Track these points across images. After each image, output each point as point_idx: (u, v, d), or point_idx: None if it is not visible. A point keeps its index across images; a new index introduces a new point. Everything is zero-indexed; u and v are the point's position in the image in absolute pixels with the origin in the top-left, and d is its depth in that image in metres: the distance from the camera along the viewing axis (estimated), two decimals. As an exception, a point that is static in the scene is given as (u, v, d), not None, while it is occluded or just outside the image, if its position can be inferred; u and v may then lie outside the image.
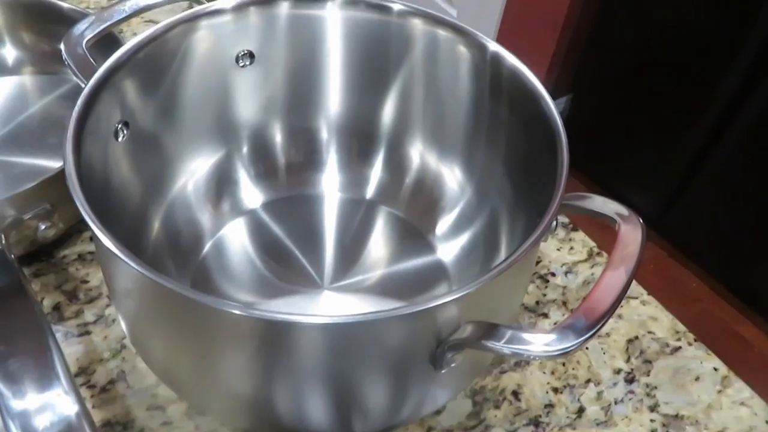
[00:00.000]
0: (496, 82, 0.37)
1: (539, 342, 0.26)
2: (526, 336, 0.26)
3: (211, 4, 0.39)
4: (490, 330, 0.27)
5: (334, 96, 0.44)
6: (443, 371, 0.30)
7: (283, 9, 0.41)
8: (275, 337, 0.27)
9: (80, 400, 0.27)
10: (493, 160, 0.40)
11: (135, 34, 0.39)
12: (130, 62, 0.35)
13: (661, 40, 1.16)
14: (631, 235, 0.30)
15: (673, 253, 1.38)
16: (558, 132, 0.32)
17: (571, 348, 0.26)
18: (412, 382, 0.31)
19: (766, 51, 1.02)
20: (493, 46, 0.37)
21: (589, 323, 0.26)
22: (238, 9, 0.40)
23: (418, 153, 0.45)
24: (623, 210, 0.32)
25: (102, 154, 0.35)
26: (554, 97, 1.39)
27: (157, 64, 0.38)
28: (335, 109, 0.45)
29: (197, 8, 0.38)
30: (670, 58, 1.15)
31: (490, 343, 0.27)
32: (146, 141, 0.39)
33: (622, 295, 0.28)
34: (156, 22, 0.38)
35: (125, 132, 0.37)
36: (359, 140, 0.46)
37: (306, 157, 0.46)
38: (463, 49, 0.39)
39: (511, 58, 0.36)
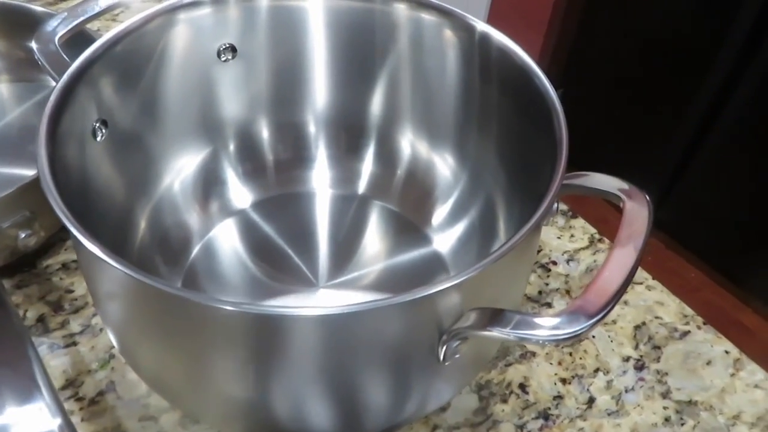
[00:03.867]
0: (486, 63, 0.36)
1: (548, 326, 0.25)
2: (533, 320, 0.25)
3: None
4: (496, 316, 0.26)
5: (320, 89, 0.43)
6: (447, 363, 0.28)
7: (264, 1, 0.40)
8: (270, 333, 0.26)
9: (63, 412, 0.26)
10: (486, 145, 0.39)
11: (111, 31, 0.37)
12: (106, 57, 0.34)
13: (649, 33, 1.15)
14: (637, 211, 0.29)
15: (670, 244, 1.37)
16: (554, 108, 0.31)
17: (582, 331, 0.24)
18: (416, 376, 0.30)
19: (754, 38, 1.02)
20: (481, 26, 0.35)
21: (599, 304, 0.25)
22: (217, 1, 0.38)
23: (408, 143, 0.44)
24: (626, 185, 0.30)
25: (79, 154, 0.33)
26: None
27: (135, 58, 0.36)
28: (322, 102, 0.43)
29: (174, 0, 0.37)
30: (659, 51, 1.15)
31: (497, 330, 0.25)
32: (127, 140, 0.37)
33: (633, 273, 0.26)
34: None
35: (104, 131, 0.35)
36: (348, 133, 0.44)
37: (294, 153, 0.45)
38: (449, 33, 0.37)
39: (500, 37, 0.34)
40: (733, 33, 1.04)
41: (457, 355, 0.28)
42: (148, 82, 0.38)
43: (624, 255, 0.27)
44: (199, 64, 0.40)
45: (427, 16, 0.38)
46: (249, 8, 0.40)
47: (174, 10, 0.37)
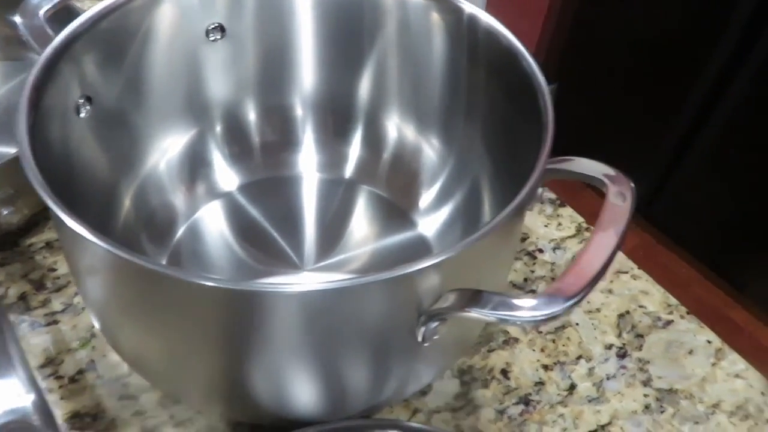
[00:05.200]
0: (473, 46, 0.36)
1: (526, 307, 0.25)
2: (512, 301, 0.25)
3: None
4: (475, 297, 0.25)
5: (307, 72, 0.43)
6: (426, 344, 0.28)
7: None
8: (248, 311, 0.26)
9: (36, 388, 0.26)
10: (473, 129, 0.39)
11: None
12: (91, 32, 0.33)
13: (645, 26, 1.15)
14: (621, 196, 0.29)
15: (661, 239, 1.38)
16: (541, 91, 0.30)
17: (559, 312, 0.24)
18: (395, 356, 0.30)
19: (750, 34, 1.02)
20: (469, 8, 0.35)
21: (578, 286, 0.25)
22: None
23: (395, 126, 0.44)
24: (611, 171, 0.30)
25: (62, 131, 0.33)
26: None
27: (120, 35, 0.36)
28: (309, 85, 0.43)
29: None
30: (656, 44, 1.14)
31: (475, 311, 0.25)
32: (112, 118, 0.37)
33: (613, 256, 0.26)
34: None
35: (88, 108, 0.35)
36: (335, 117, 0.44)
37: (282, 136, 0.44)
38: (437, 15, 0.37)
39: (487, 19, 0.34)
40: (729, 29, 1.04)
41: (436, 336, 0.28)
42: (134, 60, 0.37)
43: (605, 239, 0.27)
44: (186, 43, 0.40)
45: (415, -1, 0.38)
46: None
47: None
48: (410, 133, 0.43)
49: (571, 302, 0.25)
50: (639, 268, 0.45)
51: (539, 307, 0.24)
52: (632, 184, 0.30)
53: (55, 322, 0.39)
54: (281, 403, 0.32)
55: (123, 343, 0.33)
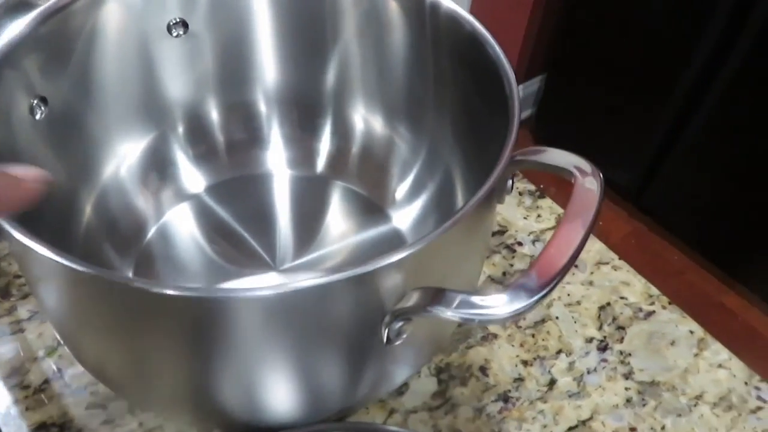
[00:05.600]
0: (436, 32, 0.34)
1: (490, 305, 0.24)
2: (475, 299, 0.24)
3: None
4: (437, 295, 0.24)
5: (268, 65, 0.41)
6: (396, 344, 0.27)
7: None
8: (209, 317, 0.25)
9: (2, 399, 0.25)
10: (443, 119, 0.38)
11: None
12: (31, 38, 0.32)
13: (633, 16, 1.14)
14: (588, 186, 0.28)
15: (653, 227, 1.37)
16: (507, 79, 0.29)
17: (524, 309, 0.23)
18: (363, 357, 0.29)
19: (737, 20, 1.01)
20: (430, -7, 0.34)
21: (542, 281, 0.24)
22: None
23: (362, 118, 0.42)
24: (581, 162, 0.29)
25: (9, 136, 0.32)
26: (528, 77, 1.36)
27: (64, 38, 0.33)
28: (271, 79, 0.42)
29: None
30: (644, 33, 1.13)
31: (437, 309, 0.24)
32: (65, 122, 0.35)
33: (579, 249, 0.25)
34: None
35: (43, 108, 0.34)
36: (301, 111, 0.43)
37: (247, 133, 0.43)
38: (396, 2, 0.36)
39: (449, 4, 0.33)
40: (715, 19, 1.03)
41: (404, 335, 0.27)
42: (81, 63, 0.35)
43: (571, 230, 0.26)
44: (139, 42, 0.38)
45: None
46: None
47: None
48: (378, 124, 0.42)
49: (535, 298, 0.24)
50: (620, 259, 0.44)
51: (503, 304, 0.23)
52: (601, 175, 0.29)
53: (21, 331, 0.38)
54: (251, 408, 0.31)
55: (85, 353, 0.32)
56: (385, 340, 0.27)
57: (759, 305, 1.23)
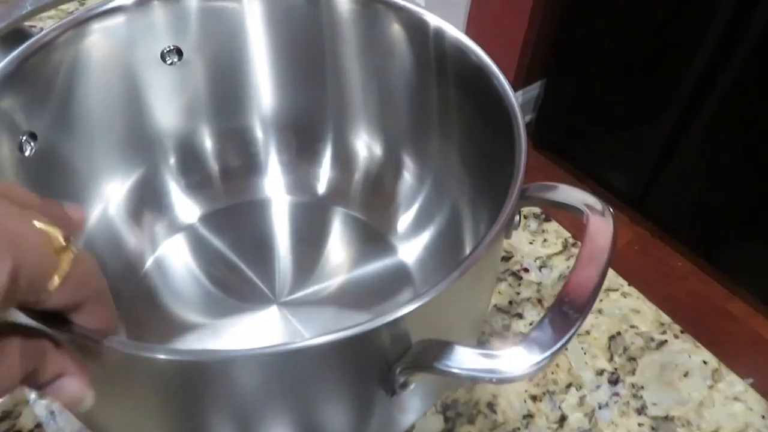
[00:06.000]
0: (441, 61, 0.33)
1: (500, 361, 0.22)
2: (482, 357, 0.23)
3: (104, 3, 0.34)
4: (445, 350, 0.23)
5: (264, 90, 0.40)
6: (402, 395, 0.26)
7: (193, 2, 0.37)
8: (199, 377, 0.23)
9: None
10: (449, 149, 0.36)
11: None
12: (16, 75, 0.30)
13: (633, 19, 1.12)
14: (601, 227, 0.26)
15: (656, 232, 1.36)
16: (514, 114, 0.28)
17: (542, 363, 0.22)
18: (367, 410, 0.28)
19: (738, 23, 1.00)
20: (435, 21, 0.32)
21: (558, 332, 0.23)
22: (140, 5, 0.35)
23: (364, 144, 0.41)
24: (591, 199, 0.28)
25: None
26: (528, 83, 1.34)
27: (48, 73, 0.32)
28: (268, 104, 0.40)
29: (88, 9, 0.34)
30: (645, 37, 1.12)
31: (445, 366, 0.23)
32: (51, 159, 0.34)
33: (595, 296, 0.24)
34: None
35: (32, 144, 0.33)
36: (300, 136, 0.41)
37: (244, 160, 0.42)
38: (399, 27, 0.34)
39: (454, 33, 0.31)
40: (715, 21, 1.02)
41: (410, 387, 0.26)
42: (65, 99, 0.34)
43: (585, 276, 0.25)
44: (126, 74, 0.36)
45: (375, 9, 0.35)
46: (179, 10, 0.37)
47: (87, 20, 0.33)
48: (381, 151, 0.40)
49: (554, 349, 0.22)
50: (630, 285, 0.43)
51: (514, 360, 0.22)
52: (611, 212, 0.27)
53: (12, 372, 0.37)
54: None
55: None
56: (390, 393, 0.25)
57: (764, 311, 1.22)
